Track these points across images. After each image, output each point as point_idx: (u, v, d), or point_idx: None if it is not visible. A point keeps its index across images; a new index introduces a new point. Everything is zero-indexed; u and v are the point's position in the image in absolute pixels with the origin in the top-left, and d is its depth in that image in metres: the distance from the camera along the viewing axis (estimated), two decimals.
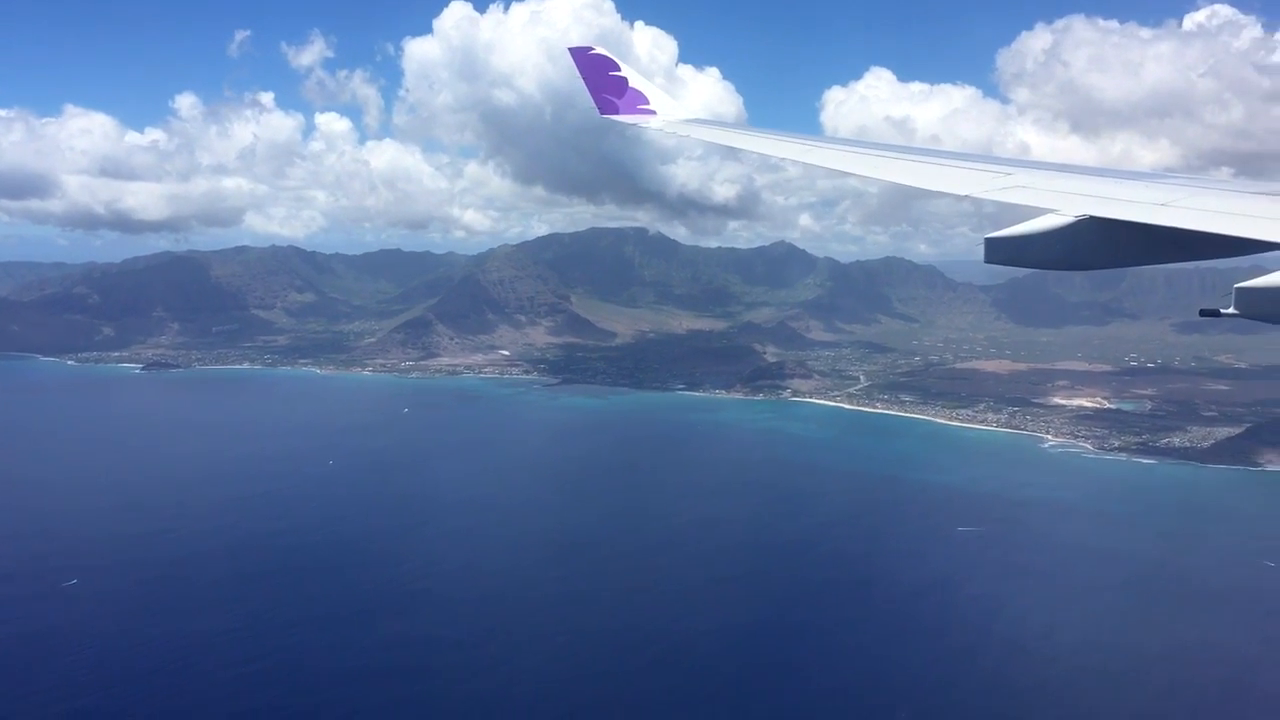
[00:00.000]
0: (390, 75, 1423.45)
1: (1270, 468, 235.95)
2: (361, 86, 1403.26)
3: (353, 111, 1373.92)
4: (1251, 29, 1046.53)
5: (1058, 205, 14.02)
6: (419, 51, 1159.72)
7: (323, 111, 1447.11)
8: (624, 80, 28.43)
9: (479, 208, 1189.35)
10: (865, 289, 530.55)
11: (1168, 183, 15.30)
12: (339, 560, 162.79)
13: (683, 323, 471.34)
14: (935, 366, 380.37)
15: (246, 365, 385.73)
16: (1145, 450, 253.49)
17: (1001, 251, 13.67)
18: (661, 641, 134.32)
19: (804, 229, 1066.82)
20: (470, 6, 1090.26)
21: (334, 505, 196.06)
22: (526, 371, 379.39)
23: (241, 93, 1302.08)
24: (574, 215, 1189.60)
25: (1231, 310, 10.66)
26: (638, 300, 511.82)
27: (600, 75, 28.48)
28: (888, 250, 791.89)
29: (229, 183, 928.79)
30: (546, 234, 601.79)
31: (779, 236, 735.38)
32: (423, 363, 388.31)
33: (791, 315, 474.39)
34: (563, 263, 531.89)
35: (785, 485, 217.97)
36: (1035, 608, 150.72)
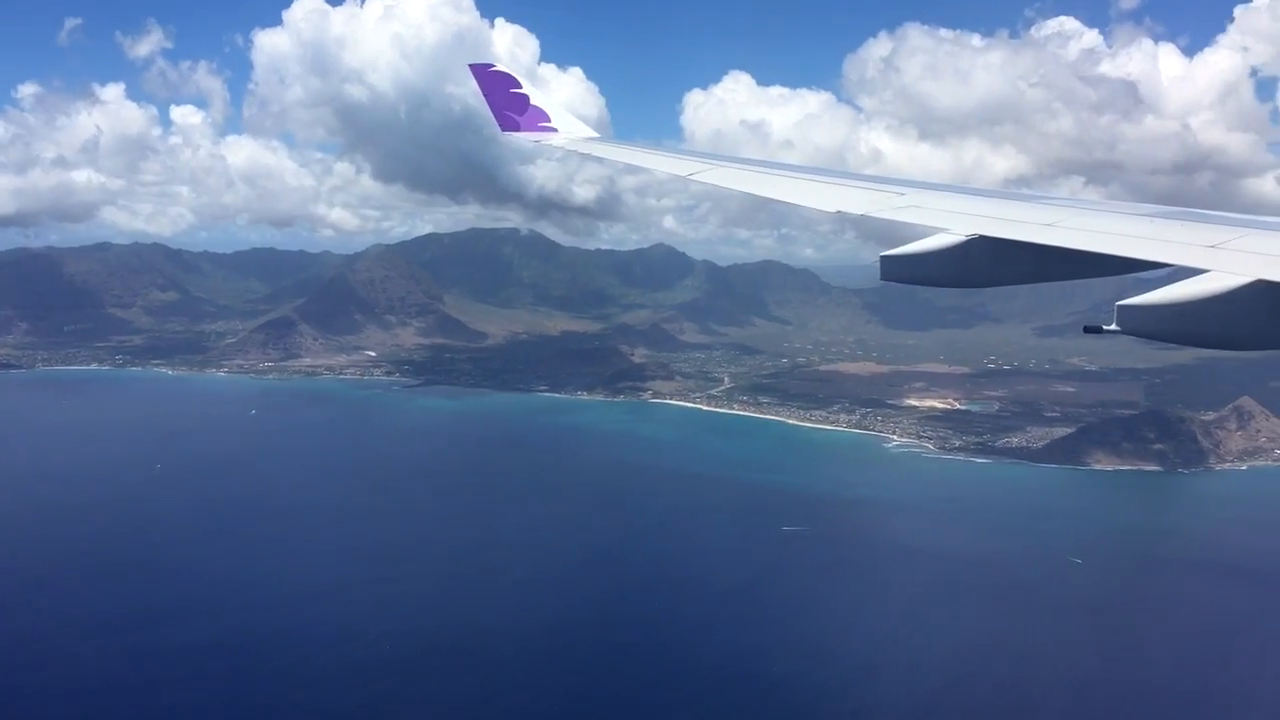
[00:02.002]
0: (240, 68, 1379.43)
1: (1097, 467, 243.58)
2: (207, 79, 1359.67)
3: (205, 105, 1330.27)
4: (1079, 41, 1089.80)
5: (949, 224, 14.46)
6: (268, 44, 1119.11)
7: (179, 104, 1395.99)
8: (525, 98, 28.36)
9: (354, 207, 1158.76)
10: (742, 292, 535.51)
11: (1054, 204, 15.84)
12: (119, 568, 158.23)
13: (557, 324, 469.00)
14: (800, 369, 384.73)
15: (95, 366, 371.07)
16: (983, 450, 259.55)
17: (896, 269, 14.11)
18: (454, 641, 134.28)
19: (689, 233, 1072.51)
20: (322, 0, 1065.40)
21: (146, 511, 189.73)
22: (389, 373, 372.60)
23: (84, 82, 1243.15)
24: (456, 216, 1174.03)
25: (1114, 327, 10.80)
26: (514, 301, 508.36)
27: (501, 92, 28.37)
28: (775, 254, 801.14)
29: (79, 176, 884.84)
30: (426, 234, 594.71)
31: (659, 239, 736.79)
32: (283, 364, 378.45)
33: (666, 317, 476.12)
34: (440, 263, 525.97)
35: (622, 487, 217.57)
36: (842, 606, 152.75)
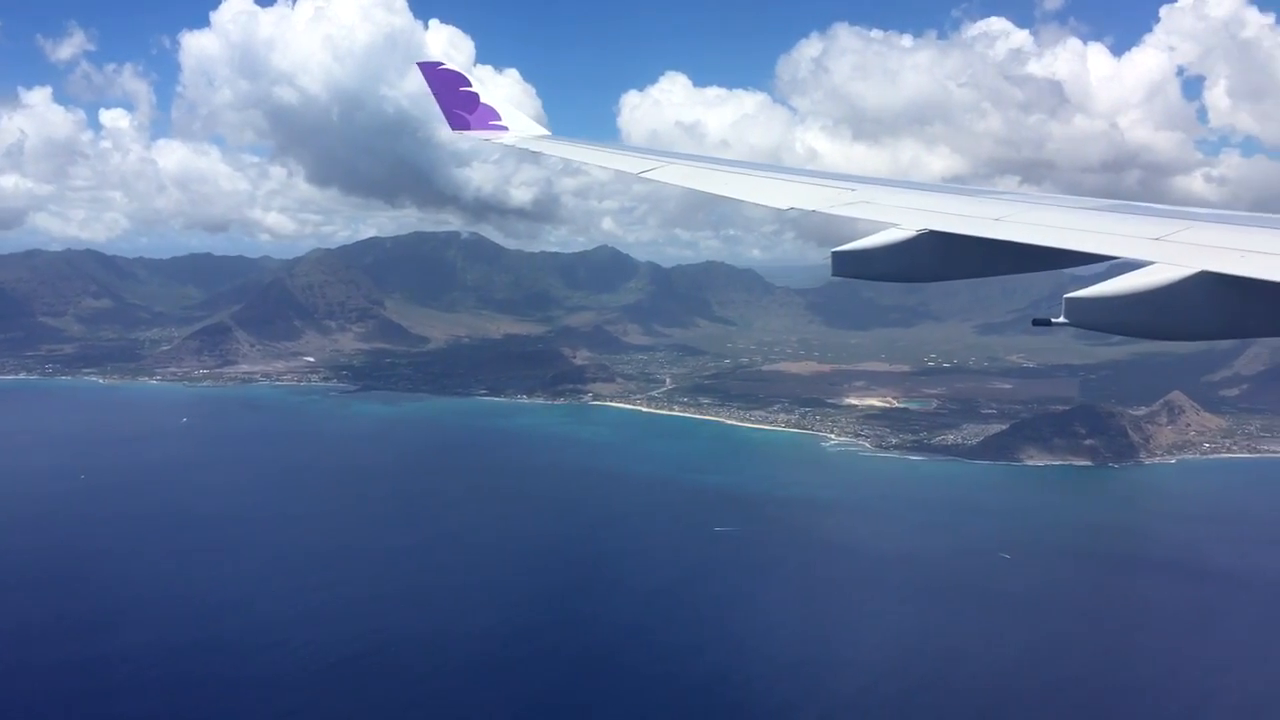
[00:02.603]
0: (168, 71, 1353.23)
1: (1029, 463, 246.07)
2: (134, 82, 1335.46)
3: (133, 108, 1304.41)
4: (1006, 41, 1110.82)
5: (899, 220, 14.44)
6: (196, 46, 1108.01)
7: (108, 108, 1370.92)
8: (475, 96, 28.02)
9: (292, 211, 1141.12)
10: (686, 293, 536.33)
11: (1002, 199, 15.87)
12: (38, 582, 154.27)
13: (500, 327, 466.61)
14: (743, 369, 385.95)
15: (24, 375, 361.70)
16: (919, 448, 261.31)
17: (847, 264, 14.02)
18: (380, 648, 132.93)
19: (630, 235, 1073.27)
20: (250, 0, 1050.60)
21: (68, 523, 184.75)
22: (327, 379, 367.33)
23: (8, 86, 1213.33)
24: (400, 220, 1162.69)
25: (1062, 320, 10.73)
26: (457, 305, 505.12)
27: (450, 91, 27.97)
28: (720, 255, 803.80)
29: (5, 181, 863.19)
30: (368, 238, 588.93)
31: (603, 240, 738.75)
32: (218, 371, 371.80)
33: (610, 319, 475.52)
34: (381, 267, 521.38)
35: (557, 491, 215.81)
36: (768, 605, 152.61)
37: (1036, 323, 11.99)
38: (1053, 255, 12.84)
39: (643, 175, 21.22)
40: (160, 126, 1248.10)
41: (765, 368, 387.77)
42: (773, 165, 22.31)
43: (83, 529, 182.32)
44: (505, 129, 27.79)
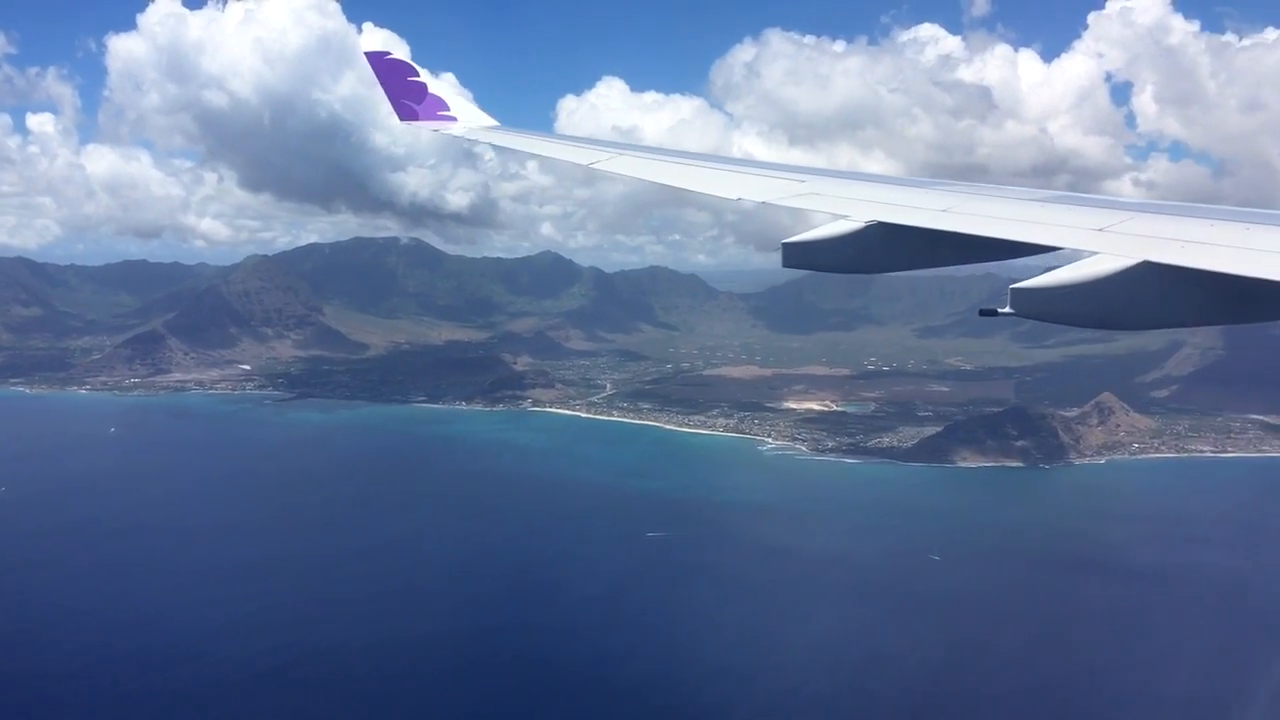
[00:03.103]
0: (94, 74, 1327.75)
1: (962, 465, 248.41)
2: (59, 86, 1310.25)
3: (59, 112, 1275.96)
4: (936, 47, 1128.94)
5: (849, 211, 14.55)
6: (123, 49, 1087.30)
7: (35, 112, 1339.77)
8: (423, 86, 27.65)
9: (229, 217, 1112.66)
10: (629, 298, 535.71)
11: (949, 189, 15.96)
12: None
13: (442, 334, 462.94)
14: (684, 374, 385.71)
15: None
16: (855, 451, 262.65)
17: (797, 255, 14.14)
18: (303, 659, 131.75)
19: (569, 239, 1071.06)
20: (178, 3, 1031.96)
21: None
22: (261, 387, 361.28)
23: None
24: (341, 226, 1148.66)
25: (1008, 309, 10.97)
26: (398, 311, 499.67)
27: (398, 80, 27.59)
28: (666, 260, 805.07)
29: None
30: (308, 244, 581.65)
31: (547, 246, 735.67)
32: (150, 379, 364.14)
33: (552, 325, 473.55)
34: (321, 274, 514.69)
35: (489, 497, 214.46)
36: (697, 609, 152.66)
37: (984, 313, 12.29)
38: (999, 246, 13.07)
39: (593, 166, 21.15)
40: (88, 131, 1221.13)
41: (706, 372, 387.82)
42: (723, 157, 22.51)
43: (2, 543, 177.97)
44: (454, 119, 27.50)
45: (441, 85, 28.10)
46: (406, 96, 27.57)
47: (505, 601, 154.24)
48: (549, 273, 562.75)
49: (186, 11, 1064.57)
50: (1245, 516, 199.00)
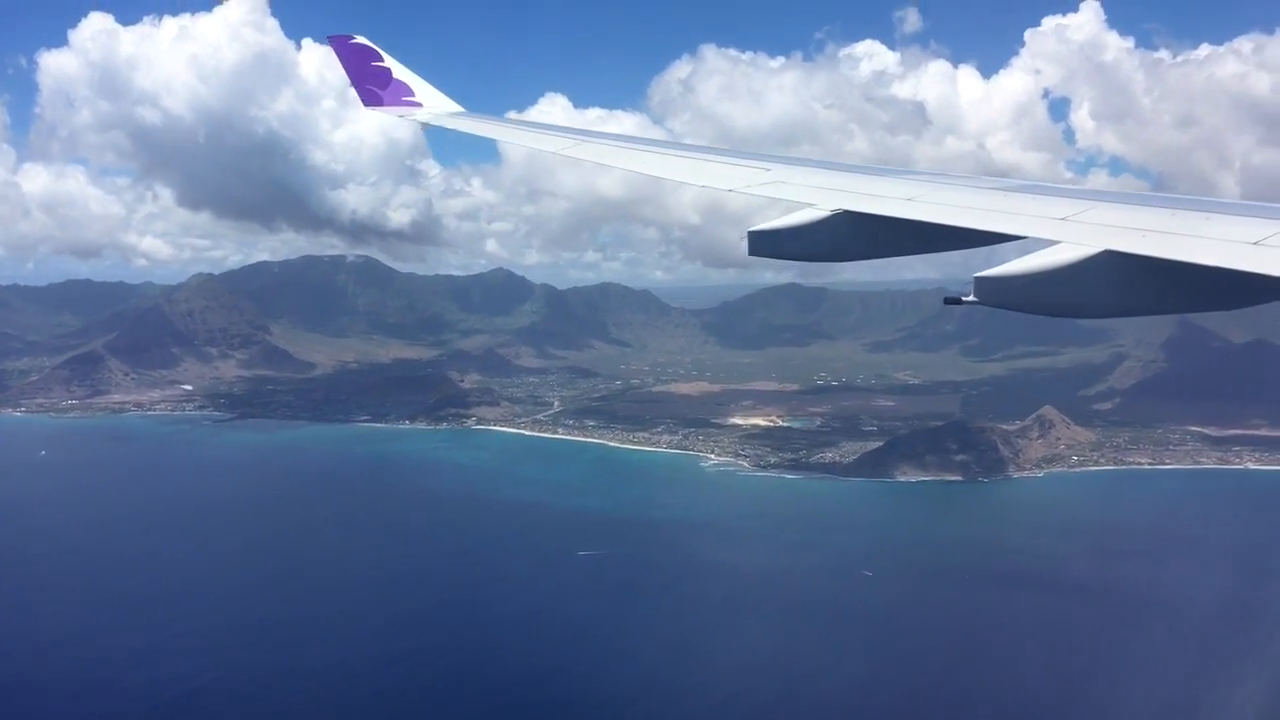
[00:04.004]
0: (25, 91, 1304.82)
1: (901, 479, 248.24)
2: None
3: None
4: (871, 63, 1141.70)
5: (815, 200, 14.52)
6: (54, 65, 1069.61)
7: None
8: (388, 71, 27.39)
9: (173, 236, 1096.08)
10: (581, 315, 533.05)
11: (914, 179, 16.05)
12: None
13: (390, 352, 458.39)
14: (633, 390, 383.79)
15: None
16: (796, 466, 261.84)
17: (763, 244, 14.20)
18: (220, 686, 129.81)
19: (518, 256, 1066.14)
20: (111, 19, 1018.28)
21: None
22: (202, 407, 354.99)
23: None
24: (291, 244, 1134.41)
25: (971, 298, 11.11)
26: (347, 330, 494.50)
27: (363, 65, 27.35)
28: (621, 276, 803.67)
29: None
30: (255, 263, 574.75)
31: (499, 263, 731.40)
32: (88, 401, 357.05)
33: (503, 342, 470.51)
34: (268, 292, 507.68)
35: (425, 517, 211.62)
36: (627, 627, 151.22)
37: (948, 301, 12.51)
38: (962, 235, 13.07)
39: (560, 153, 21.09)
40: (19, 148, 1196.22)
41: (655, 389, 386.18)
42: (689, 145, 22.86)
43: None
44: (419, 105, 27.16)
45: (406, 71, 27.76)
46: (371, 82, 27.32)
47: (429, 623, 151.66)
48: (501, 290, 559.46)
49: (120, 28, 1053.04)
50: (1175, 528, 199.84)
